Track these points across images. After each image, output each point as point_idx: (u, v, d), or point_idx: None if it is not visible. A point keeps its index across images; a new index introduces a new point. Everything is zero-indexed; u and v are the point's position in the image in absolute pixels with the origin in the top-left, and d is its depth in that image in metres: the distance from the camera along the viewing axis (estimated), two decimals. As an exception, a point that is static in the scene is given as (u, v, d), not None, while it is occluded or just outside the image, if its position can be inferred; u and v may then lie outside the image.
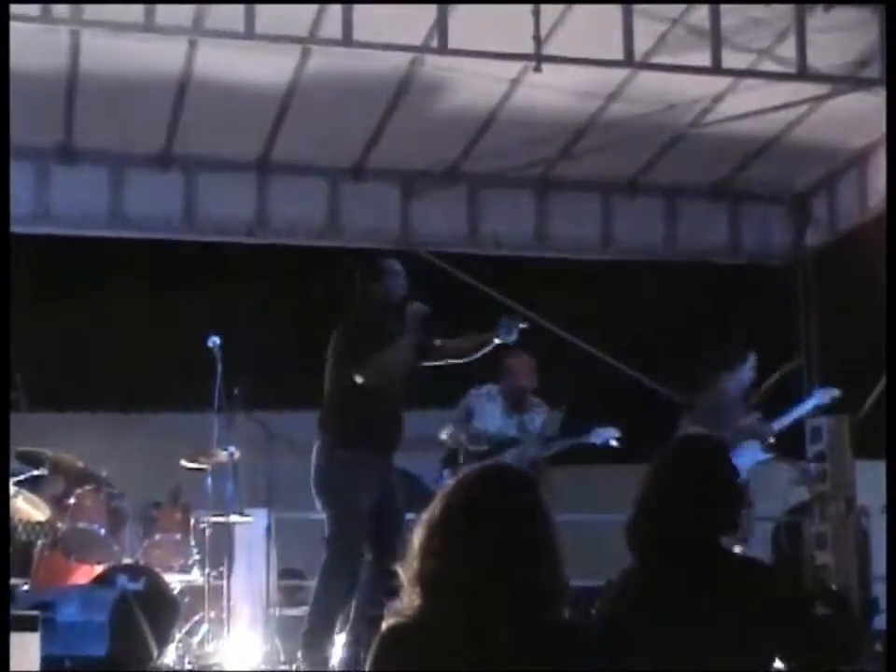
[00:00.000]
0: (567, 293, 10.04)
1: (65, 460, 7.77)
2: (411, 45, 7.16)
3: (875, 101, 7.38)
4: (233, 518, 7.35)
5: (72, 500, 7.45)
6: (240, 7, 6.57)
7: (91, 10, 6.69)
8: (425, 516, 2.82)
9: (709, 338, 9.02)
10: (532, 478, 2.91)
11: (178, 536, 7.51)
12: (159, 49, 7.33)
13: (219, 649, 7.09)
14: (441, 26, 6.76)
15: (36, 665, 5.47)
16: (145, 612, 6.41)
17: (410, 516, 6.22)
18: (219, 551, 7.41)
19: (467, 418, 7.85)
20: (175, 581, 7.34)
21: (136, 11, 6.57)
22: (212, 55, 7.48)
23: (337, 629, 6.36)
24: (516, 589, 2.72)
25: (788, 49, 7.25)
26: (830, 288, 9.84)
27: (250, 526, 7.58)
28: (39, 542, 7.45)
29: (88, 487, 7.51)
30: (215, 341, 7.19)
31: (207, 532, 7.34)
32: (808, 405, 7.61)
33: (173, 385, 10.63)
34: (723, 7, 6.98)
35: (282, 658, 7.00)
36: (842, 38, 7.29)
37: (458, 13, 6.80)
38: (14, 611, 5.47)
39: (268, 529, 7.41)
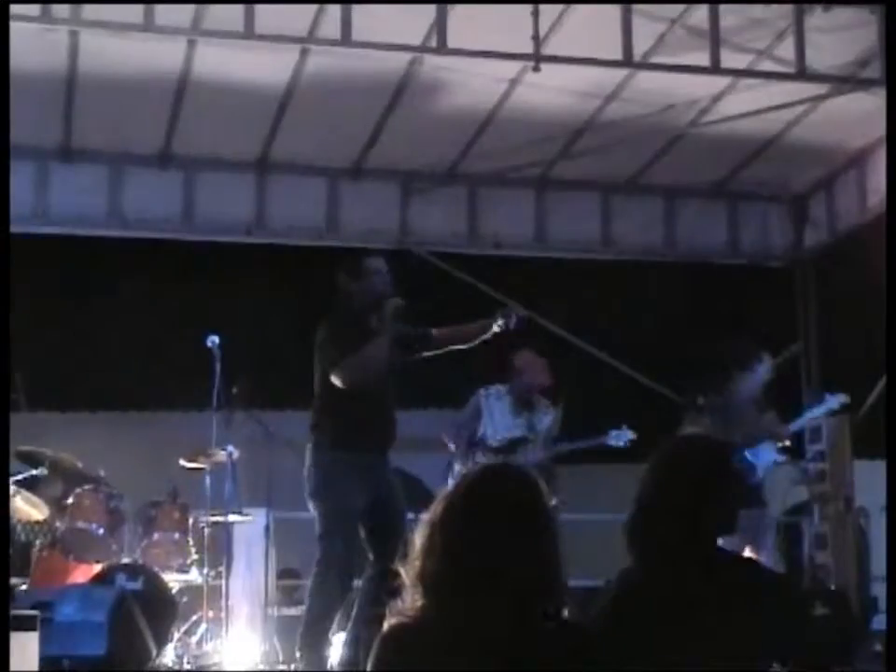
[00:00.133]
0: (566, 293, 10.03)
1: (64, 460, 7.77)
2: (410, 45, 7.17)
3: (874, 101, 7.39)
4: (232, 518, 7.34)
5: (71, 500, 7.44)
6: (239, 7, 6.58)
7: (90, 10, 6.70)
8: (427, 516, 2.83)
9: (709, 338, 9.00)
10: (533, 477, 2.90)
11: (177, 535, 7.50)
12: (158, 49, 7.33)
13: (218, 648, 7.09)
14: (440, 26, 6.77)
15: (35, 664, 5.45)
16: (143, 612, 6.39)
17: (410, 516, 6.22)
18: (218, 550, 7.39)
19: (475, 418, 7.85)
20: (173, 580, 7.34)
21: (135, 11, 6.57)
22: (211, 55, 7.49)
23: (336, 628, 6.35)
24: (517, 589, 2.73)
25: (787, 49, 7.25)
26: (829, 288, 9.84)
27: (249, 526, 7.60)
28: (38, 542, 7.46)
29: (86, 487, 7.51)
30: (214, 340, 7.17)
31: (206, 532, 7.32)
32: (820, 409, 7.61)
33: (172, 385, 10.63)
34: (722, 7, 6.99)
35: (280, 658, 7.01)
36: (841, 38, 7.30)
37: (457, 13, 6.80)
38: (13, 611, 5.45)
39: (267, 529, 7.41)
